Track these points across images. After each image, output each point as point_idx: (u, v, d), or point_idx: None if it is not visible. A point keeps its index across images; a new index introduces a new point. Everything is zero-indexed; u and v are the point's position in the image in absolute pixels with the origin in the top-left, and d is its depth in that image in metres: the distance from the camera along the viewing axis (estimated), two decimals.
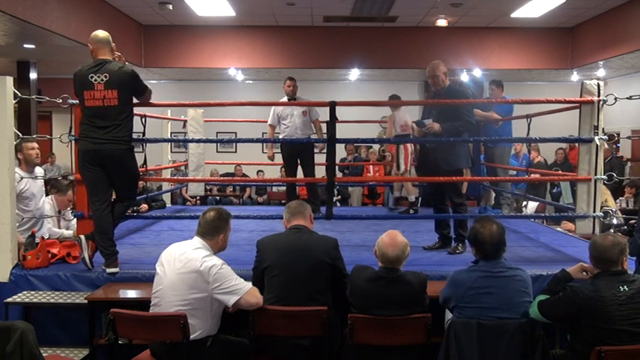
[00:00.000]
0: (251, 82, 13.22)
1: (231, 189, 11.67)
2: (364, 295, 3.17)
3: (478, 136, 6.53)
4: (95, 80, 3.97)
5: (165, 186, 8.01)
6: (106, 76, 3.97)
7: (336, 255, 3.42)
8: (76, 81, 4.08)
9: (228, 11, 8.97)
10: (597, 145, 4.49)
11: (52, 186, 5.93)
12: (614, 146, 10.64)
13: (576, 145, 7.42)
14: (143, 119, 5.26)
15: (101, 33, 4.13)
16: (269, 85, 12.25)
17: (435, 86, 4.78)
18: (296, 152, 6.50)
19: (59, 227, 5.42)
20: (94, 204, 4.10)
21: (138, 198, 5.35)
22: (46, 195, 5.43)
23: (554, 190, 9.65)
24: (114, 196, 4.26)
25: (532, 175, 6.89)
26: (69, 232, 5.28)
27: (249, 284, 3.20)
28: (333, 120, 4.61)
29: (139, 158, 4.69)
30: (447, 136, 4.57)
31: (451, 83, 4.95)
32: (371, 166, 10.34)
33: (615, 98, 4.44)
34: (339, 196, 10.95)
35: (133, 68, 4.18)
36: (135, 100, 4.21)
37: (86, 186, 4.18)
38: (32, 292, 4.00)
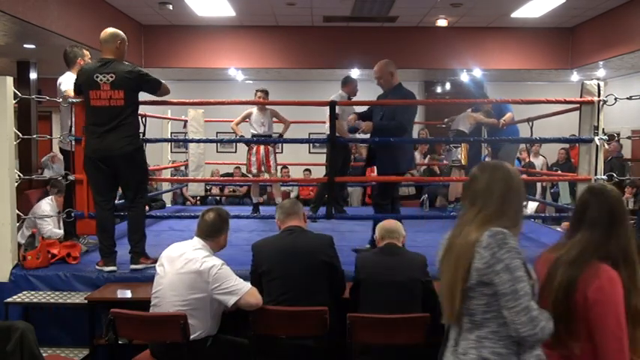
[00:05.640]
0: (251, 82, 13.19)
1: (231, 189, 11.65)
2: (371, 265, 3.35)
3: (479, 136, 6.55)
4: (101, 80, 3.95)
5: (165, 186, 8.01)
6: (112, 76, 3.95)
7: (333, 253, 3.41)
8: (81, 78, 4.07)
9: (228, 11, 8.96)
10: (597, 145, 4.49)
11: (52, 186, 5.93)
12: (619, 145, 10.56)
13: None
14: (143, 119, 5.25)
15: (105, 32, 4.13)
16: (269, 85, 12.18)
17: (384, 86, 4.86)
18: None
19: (59, 227, 5.42)
20: (98, 204, 4.12)
21: None
22: (47, 195, 5.43)
23: (552, 191, 9.65)
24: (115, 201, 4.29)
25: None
26: None
27: (249, 284, 3.19)
28: (333, 120, 4.62)
29: None
30: (378, 134, 4.67)
31: (401, 83, 5.00)
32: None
33: (615, 98, 4.44)
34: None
35: (138, 67, 4.17)
36: (152, 98, 4.35)
37: (91, 186, 4.18)
38: (32, 292, 4.00)
